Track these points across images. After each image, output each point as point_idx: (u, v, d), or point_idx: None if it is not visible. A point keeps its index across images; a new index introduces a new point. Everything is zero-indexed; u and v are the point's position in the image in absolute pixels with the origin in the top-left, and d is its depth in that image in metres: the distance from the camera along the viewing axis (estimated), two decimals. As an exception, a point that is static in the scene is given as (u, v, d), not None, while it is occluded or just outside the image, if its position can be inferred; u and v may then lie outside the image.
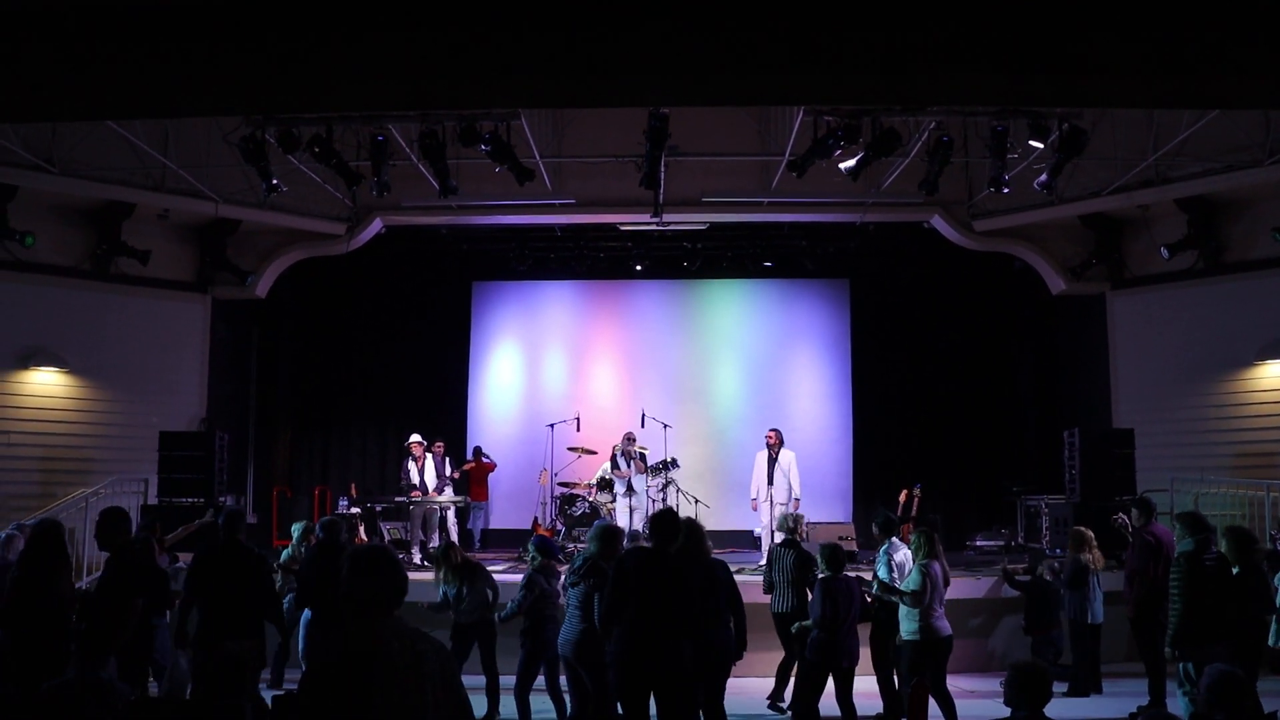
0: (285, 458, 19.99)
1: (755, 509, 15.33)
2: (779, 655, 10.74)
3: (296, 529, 11.92)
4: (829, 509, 18.43)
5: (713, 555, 9.06)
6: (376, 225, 17.30)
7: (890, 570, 9.94)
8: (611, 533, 8.69)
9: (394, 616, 3.91)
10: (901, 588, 9.46)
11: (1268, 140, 14.24)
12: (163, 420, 15.99)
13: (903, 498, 15.47)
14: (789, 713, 9.93)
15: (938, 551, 9.51)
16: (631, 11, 6.64)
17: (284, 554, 11.83)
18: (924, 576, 9.24)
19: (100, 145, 14.54)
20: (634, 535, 12.48)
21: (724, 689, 8.98)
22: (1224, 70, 7.08)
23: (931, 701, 9.12)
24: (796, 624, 9.90)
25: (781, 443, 15.29)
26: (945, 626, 9.34)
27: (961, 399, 19.56)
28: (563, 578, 9.14)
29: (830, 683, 9.29)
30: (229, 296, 17.73)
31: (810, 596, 9.87)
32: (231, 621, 8.53)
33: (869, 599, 9.86)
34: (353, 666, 3.71)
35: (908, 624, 9.30)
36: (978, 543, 17.25)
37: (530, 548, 9.84)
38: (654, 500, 15.72)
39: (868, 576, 10.08)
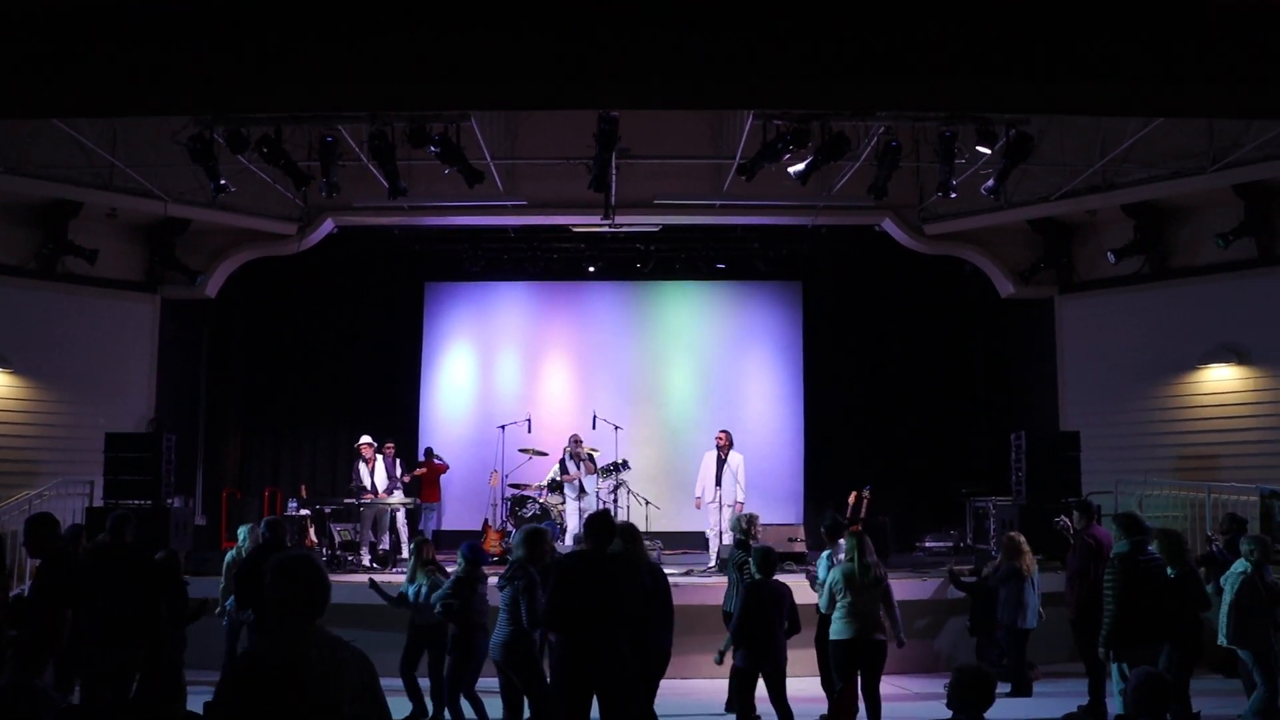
0: (235, 459, 19.85)
1: (699, 508, 15.46)
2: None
3: (243, 531, 11.84)
4: (780, 510, 18.49)
5: (650, 558, 9.10)
6: (328, 225, 17.21)
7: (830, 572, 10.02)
8: (537, 535, 8.75)
9: (315, 624, 3.88)
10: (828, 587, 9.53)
11: (1211, 148, 14.44)
12: (110, 421, 15.79)
13: (852, 499, 15.54)
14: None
15: (868, 554, 9.54)
16: (581, 15, 6.65)
17: (229, 556, 11.74)
18: (847, 578, 9.29)
19: (47, 143, 14.40)
20: (579, 537, 12.50)
21: (656, 692, 9.00)
22: (1167, 79, 7.18)
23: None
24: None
25: (731, 444, 15.38)
26: (876, 629, 9.34)
27: (912, 401, 19.70)
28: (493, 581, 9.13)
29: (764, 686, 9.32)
30: (178, 296, 17.57)
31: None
32: (118, 629, 8.41)
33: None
34: (269, 674, 3.69)
35: (835, 624, 9.36)
36: (926, 544, 17.39)
37: (460, 554, 9.78)
38: (604, 502, 15.74)
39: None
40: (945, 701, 5.54)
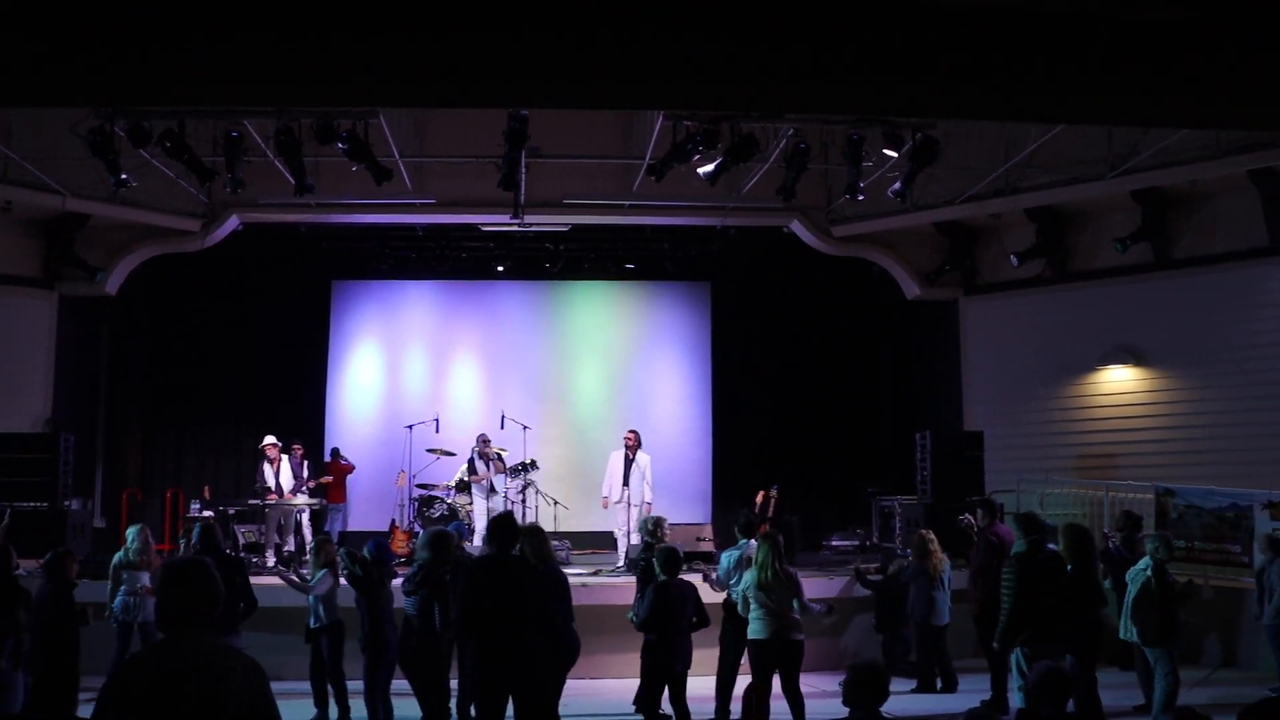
0: (136, 460, 19.47)
1: (605, 507, 15.50)
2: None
3: (131, 532, 11.47)
4: (688, 510, 18.56)
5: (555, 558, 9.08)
6: (233, 222, 16.92)
7: (731, 569, 10.08)
8: (442, 538, 8.70)
9: (205, 631, 3.82)
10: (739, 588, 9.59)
11: (1110, 154, 14.75)
12: (4, 421, 15.41)
13: (760, 499, 15.63)
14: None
15: (781, 554, 9.60)
16: (490, 14, 6.62)
17: (116, 557, 11.37)
18: (759, 578, 9.34)
19: (-63, 135, 14.03)
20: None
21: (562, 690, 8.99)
22: (1067, 87, 7.34)
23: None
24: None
25: (639, 444, 15.42)
26: (793, 629, 9.40)
27: (820, 401, 19.91)
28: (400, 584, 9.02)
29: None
30: (78, 293, 17.17)
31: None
32: None
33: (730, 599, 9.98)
34: (150, 681, 3.63)
35: (752, 625, 9.40)
36: (833, 542, 17.56)
37: (365, 550, 9.68)
38: (513, 502, 15.68)
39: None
40: (841, 698, 5.61)
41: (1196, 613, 11.94)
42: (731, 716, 10.05)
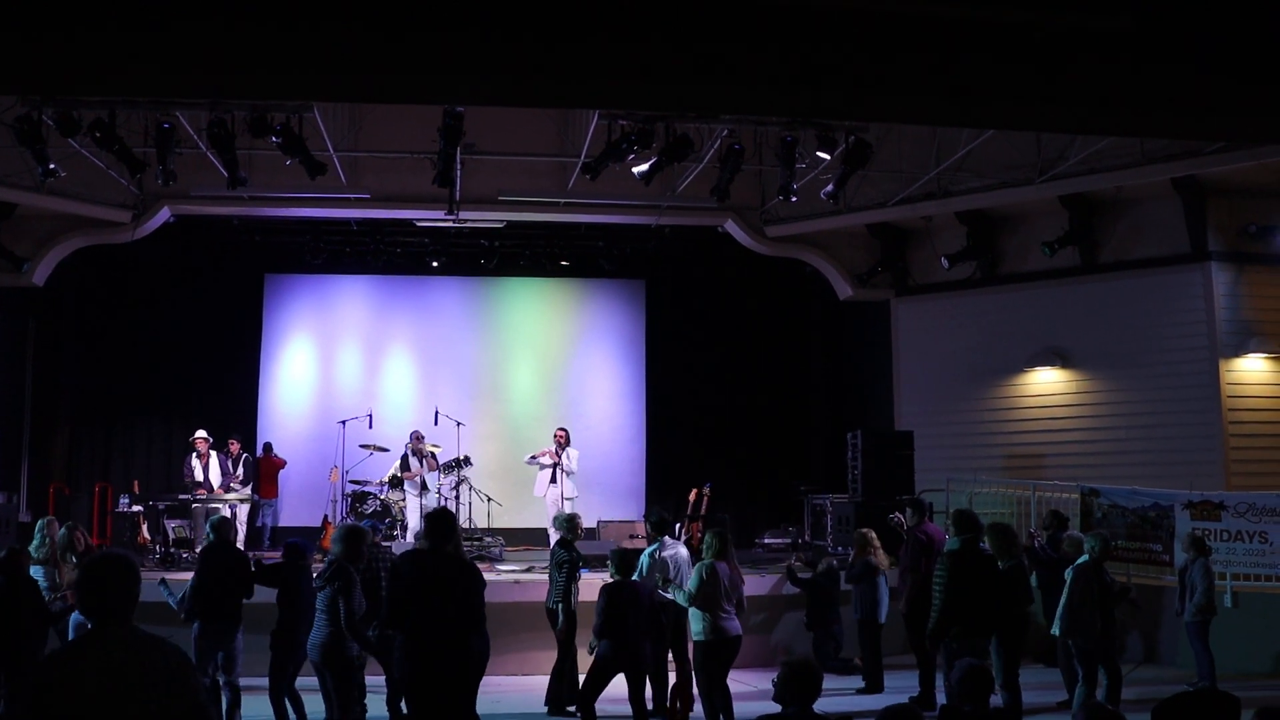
0: (63, 453, 19.17)
1: (528, 462, 16.04)
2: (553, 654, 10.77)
3: (41, 523, 11.24)
4: (621, 506, 18.64)
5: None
6: (164, 214, 16.69)
7: (653, 568, 10.11)
8: (356, 534, 8.68)
9: (129, 624, 3.83)
10: (686, 588, 9.57)
11: (1039, 160, 14.99)
12: (-74, 413, 15.16)
13: (693, 496, 15.71)
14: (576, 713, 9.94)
15: (728, 553, 9.63)
16: (426, 10, 6.63)
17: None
18: (703, 577, 9.35)
19: None
20: (420, 535, 12.37)
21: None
22: (997, 93, 7.47)
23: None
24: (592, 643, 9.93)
25: (569, 441, 15.52)
26: (734, 626, 9.44)
27: (753, 400, 20.05)
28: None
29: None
30: (3, 284, 16.81)
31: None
32: None
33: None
34: (77, 673, 3.63)
35: (696, 624, 9.40)
36: (765, 540, 17.68)
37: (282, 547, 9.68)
38: (446, 499, 15.66)
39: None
40: (773, 695, 5.65)
41: (1120, 611, 12.15)
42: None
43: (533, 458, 16.09)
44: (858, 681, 11.85)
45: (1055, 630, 10.19)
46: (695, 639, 9.39)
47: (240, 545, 15.52)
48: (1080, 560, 10.17)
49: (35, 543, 10.83)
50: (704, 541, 9.74)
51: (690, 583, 9.48)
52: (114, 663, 3.66)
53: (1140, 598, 12.97)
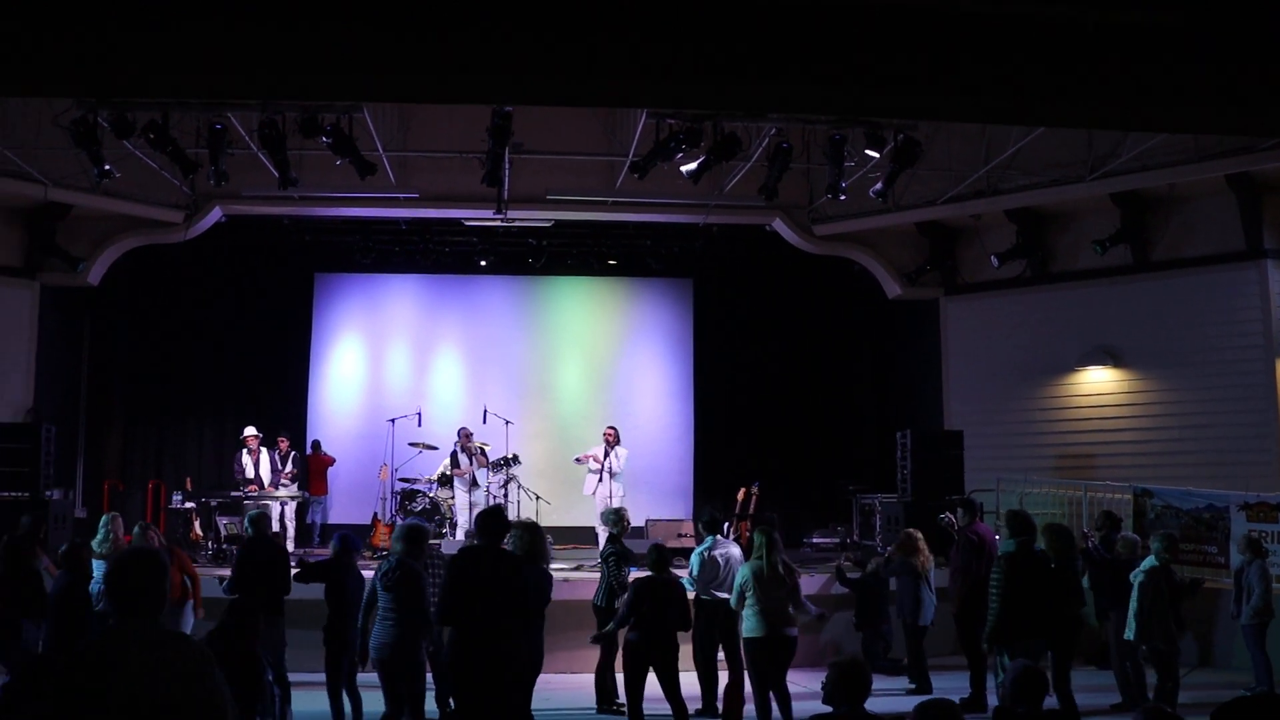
0: (117, 451, 19.41)
1: (577, 463, 16.07)
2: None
3: (104, 520, 11.41)
4: (669, 505, 18.64)
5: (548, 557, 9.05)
6: (216, 214, 16.89)
7: (704, 567, 10.11)
8: (417, 531, 8.67)
9: (154, 620, 3.84)
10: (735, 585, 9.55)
11: (1090, 157, 14.85)
12: (-15, 411, 15.39)
13: (741, 496, 15.70)
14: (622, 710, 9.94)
15: (777, 550, 9.57)
16: (476, 11, 6.65)
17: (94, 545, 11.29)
18: (751, 575, 9.32)
19: (-81, 123, 13.96)
20: (471, 532, 12.44)
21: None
22: (1046, 90, 7.41)
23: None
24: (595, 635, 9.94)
25: (618, 440, 15.54)
26: (788, 625, 9.38)
27: (801, 399, 19.97)
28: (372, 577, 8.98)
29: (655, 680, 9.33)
30: (59, 283, 17.10)
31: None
32: None
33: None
34: (99, 666, 3.64)
35: (747, 621, 9.37)
36: (814, 540, 17.64)
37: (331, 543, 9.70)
38: (495, 497, 15.72)
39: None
40: (823, 696, 5.63)
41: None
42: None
43: (579, 459, 16.11)
44: (906, 682, 11.79)
45: (1128, 635, 10.09)
46: (746, 636, 9.35)
47: (290, 542, 15.79)
48: (1148, 563, 10.06)
49: (99, 538, 11.02)
50: (752, 540, 9.70)
51: (736, 580, 9.47)
52: (137, 659, 3.65)
53: (1194, 600, 12.85)
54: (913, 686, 11.65)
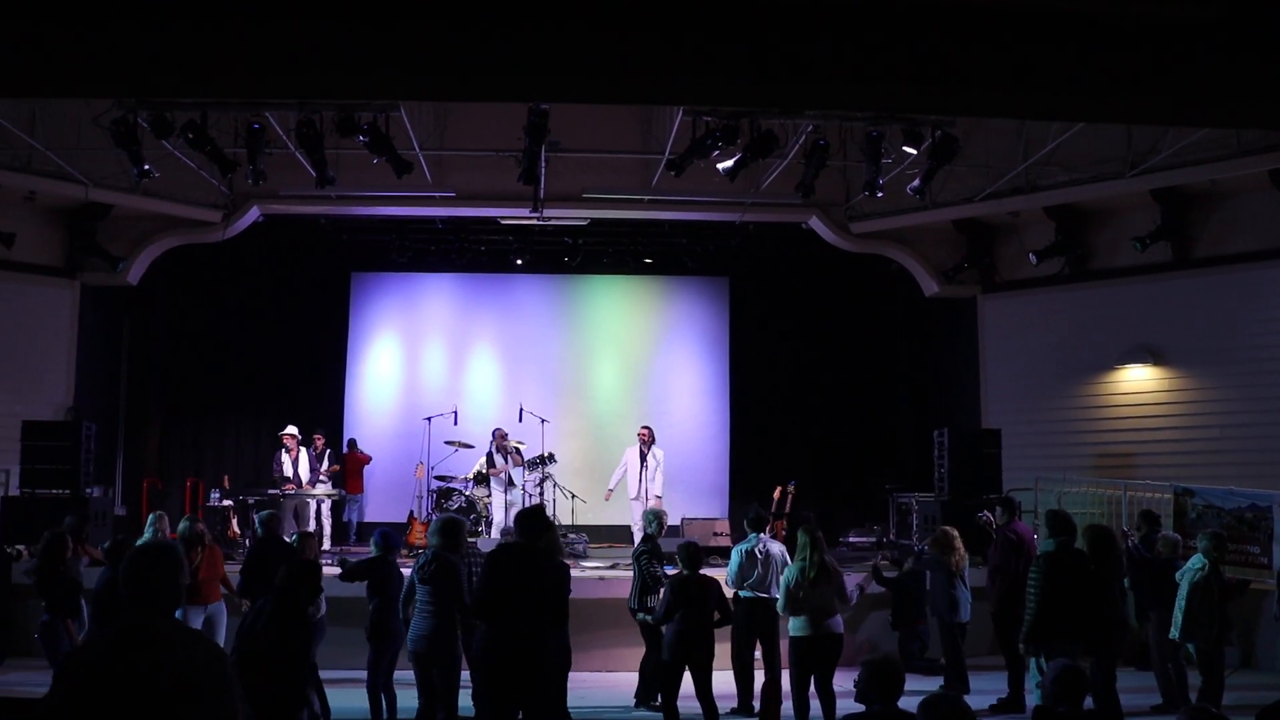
0: (155, 449, 19.58)
1: (607, 499, 16.08)
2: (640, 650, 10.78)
3: (151, 519, 11.55)
4: (705, 504, 18.62)
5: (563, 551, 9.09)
6: (253, 213, 17.00)
7: (744, 564, 10.09)
8: (454, 524, 8.69)
9: (170, 617, 3.82)
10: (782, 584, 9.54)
11: (1130, 154, 14.72)
12: (26, 409, 15.49)
13: (777, 494, 15.67)
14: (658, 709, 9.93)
15: (821, 549, 9.56)
16: (511, 8, 6.65)
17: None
18: (797, 577, 9.30)
19: (-38, 124, 14.10)
20: (507, 530, 12.46)
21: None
22: (1084, 86, 7.33)
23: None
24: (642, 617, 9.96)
25: (653, 439, 15.55)
26: (835, 624, 9.38)
27: (837, 398, 19.91)
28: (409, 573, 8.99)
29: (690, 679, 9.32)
30: (99, 283, 17.27)
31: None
32: None
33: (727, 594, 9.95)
34: (107, 660, 3.60)
35: (794, 620, 9.36)
36: (850, 539, 17.55)
37: (373, 541, 9.73)
38: (531, 495, 15.74)
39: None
40: (855, 695, 5.61)
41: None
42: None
43: (611, 488, 16.12)
44: (943, 682, 11.71)
45: (1173, 634, 10.01)
46: (793, 635, 9.34)
47: (327, 540, 15.90)
48: (1196, 562, 9.96)
49: (147, 535, 11.14)
50: (797, 540, 9.68)
51: (783, 580, 9.46)
52: (150, 655, 3.60)
53: (1236, 601, 12.72)
54: (941, 684, 11.56)
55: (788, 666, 9.50)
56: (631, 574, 10.76)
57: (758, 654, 10.33)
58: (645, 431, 15.76)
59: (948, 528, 12.10)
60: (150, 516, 11.53)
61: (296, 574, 7.16)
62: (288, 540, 11.21)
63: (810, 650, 9.21)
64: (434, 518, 15.60)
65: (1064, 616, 8.69)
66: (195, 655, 3.69)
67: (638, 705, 10.57)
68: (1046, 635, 8.67)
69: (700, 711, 9.25)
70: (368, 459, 18.25)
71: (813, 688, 9.34)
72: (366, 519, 18.35)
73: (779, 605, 9.49)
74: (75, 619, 9.91)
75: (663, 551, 10.62)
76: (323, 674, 9.17)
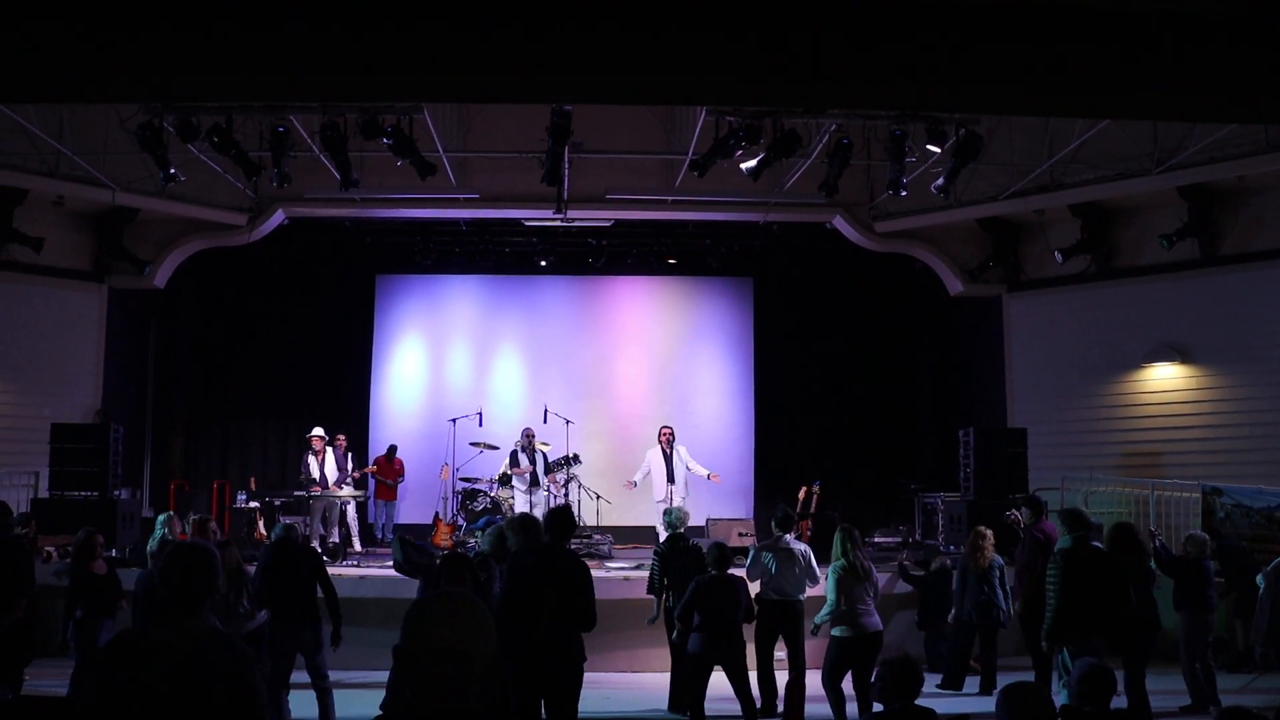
0: (182, 451, 19.66)
1: (629, 488, 16.16)
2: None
3: (161, 519, 11.53)
4: (730, 504, 18.57)
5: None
6: (279, 216, 17.10)
7: (753, 561, 10.10)
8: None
9: (199, 616, 3.82)
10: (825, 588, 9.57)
11: (1156, 150, 14.64)
12: (55, 412, 15.63)
13: (802, 494, 15.65)
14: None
15: (858, 547, 9.58)
16: (534, 9, 6.66)
17: (150, 546, 11.44)
18: (840, 576, 9.33)
19: (-9, 129, 14.22)
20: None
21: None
22: (1108, 82, 7.30)
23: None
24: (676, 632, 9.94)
25: (674, 438, 15.61)
26: (873, 622, 9.41)
27: (862, 397, 19.84)
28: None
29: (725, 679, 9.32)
30: (126, 286, 17.39)
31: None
32: None
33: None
34: (134, 659, 3.62)
35: (835, 621, 9.37)
36: (876, 539, 17.49)
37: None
38: (556, 497, 15.77)
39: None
40: (873, 694, 5.61)
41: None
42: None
43: (633, 482, 16.16)
44: (970, 683, 11.67)
45: (1253, 641, 9.98)
46: (836, 635, 9.37)
47: (356, 542, 15.97)
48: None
49: (155, 536, 11.18)
50: (835, 540, 9.69)
51: (828, 585, 9.47)
52: (178, 652, 3.63)
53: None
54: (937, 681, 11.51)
55: (814, 665, 9.53)
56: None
57: (779, 655, 10.34)
58: (667, 431, 15.77)
59: (979, 528, 12.04)
60: (160, 517, 11.53)
61: None
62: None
63: (853, 650, 9.26)
64: (459, 520, 15.73)
65: (1083, 612, 8.66)
66: (223, 655, 3.72)
67: (671, 709, 10.54)
68: (1067, 631, 8.64)
69: (739, 712, 9.29)
70: (401, 469, 18.08)
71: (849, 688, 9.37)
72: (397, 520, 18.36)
73: (823, 611, 9.50)
74: (111, 618, 9.99)
75: (676, 559, 10.48)
76: (342, 675, 9.20)
